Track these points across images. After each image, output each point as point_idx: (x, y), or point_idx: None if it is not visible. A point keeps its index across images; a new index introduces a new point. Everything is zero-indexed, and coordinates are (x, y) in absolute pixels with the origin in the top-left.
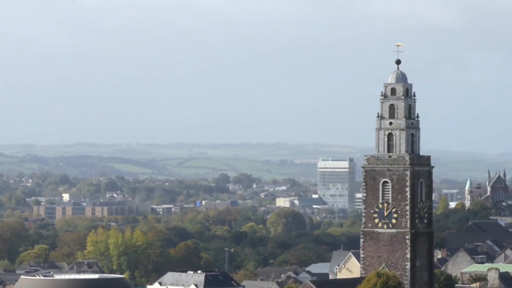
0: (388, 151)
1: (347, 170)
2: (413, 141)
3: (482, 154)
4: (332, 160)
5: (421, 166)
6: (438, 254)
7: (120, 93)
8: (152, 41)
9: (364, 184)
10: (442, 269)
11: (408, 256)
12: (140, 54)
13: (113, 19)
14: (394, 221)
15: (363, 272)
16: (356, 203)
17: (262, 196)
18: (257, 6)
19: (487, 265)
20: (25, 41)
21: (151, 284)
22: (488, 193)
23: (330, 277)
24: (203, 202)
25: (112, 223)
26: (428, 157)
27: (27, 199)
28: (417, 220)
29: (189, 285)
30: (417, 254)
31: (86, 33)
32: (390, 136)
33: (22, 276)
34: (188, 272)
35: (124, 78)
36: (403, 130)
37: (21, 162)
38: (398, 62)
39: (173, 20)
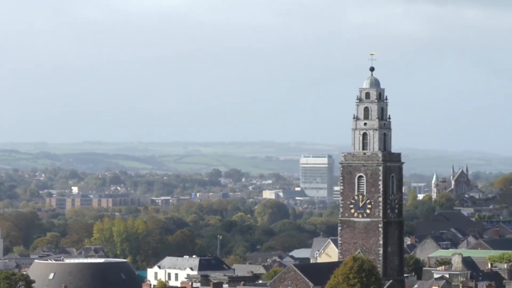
0: (363, 149)
1: (326, 165)
2: (385, 140)
3: (447, 151)
4: (313, 157)
5: (392, 162)
6: (408, 241)
7: (123, 97)
8: (149, 49)
9: (341, 178)
10: (411, 254)
11: (381, 242)
12: (139, 62)
13: (114, 27)
14: (368, 211)
15: (340, 256)
16: (334, 195)
17: (250, 189)
18: (244, 15)
19: (452, 251)
20: (37, 52)
21: (151, 267)
22: (453, 186)
23: (311, 261)
24: (198, 194)
25: (116, 213)
26: (399, 154)
27: (40, 192)
28: (389, 210)
29: (185, 268)
30: (389, 241)
31: (89, 41)
32: (364, 135)
33: (35, 260)
34: (184, 256)
35: (126, 84)
36: (376, 130)
37: (35, 159)
38: (372, 69)
39: (169, 27)
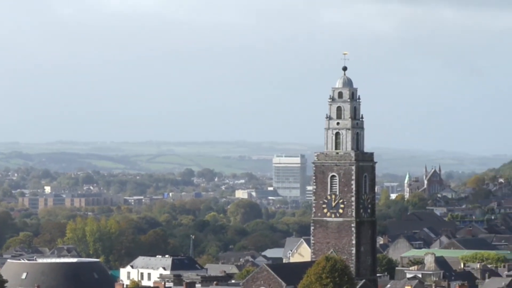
0: (336, 148)
1: (299, 165)
2: (358, 139)
3: (420, 151)
4: (285, 156)
5: (365, 161)
6: (380, 240)
7: (96, 97)
8: (122, 50)
9: (314, 177)
10: (384, 254)
11: (354, 242)
12: (112, 63)
13: (89, 28)
14: (341, 210)
15: (313, 256)
16: (307, 195)
17: (223, 189)
18: (216, 16)
19: (424, 250)
20: (8, 52)
21: (124, 267)
22: (425, 186)
23: (284, 261)
24: (170, 194)
25: (89, 213)
26: (372, 154)
27: (13, 191)
28: (361, 210)
29: (157, 268)
30: (361, 240)
31: (64, 42)
32: (337, 135)
33: (8, 260)
34: (157, 256)
35: (99, 83)
36: (349, 129)
37: (8, 158)
38: (344, 68)
39: (147, 28)
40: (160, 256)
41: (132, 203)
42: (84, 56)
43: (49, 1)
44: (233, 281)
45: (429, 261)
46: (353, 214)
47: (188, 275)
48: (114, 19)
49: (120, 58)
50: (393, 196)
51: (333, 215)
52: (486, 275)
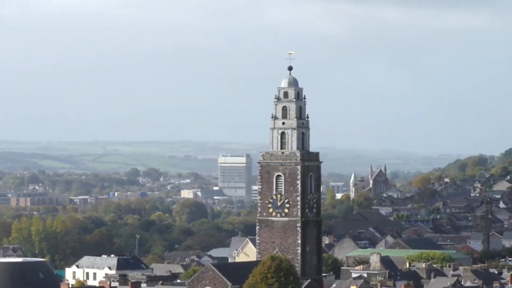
0: (281, 148)
1: (245, 165)
2: (303, 139)
3: (366, 150)
4: (231, 156)
5: (310, 161)
6: (326, 240)
7: (41, 96)
8: (66, 50)
9: (259, 177)
10: (329, 253)
11: (299, 241)
12: (56, 63)
13: (31, 28)
14: (286, 210)
15: (258, 256)
16: (253, 195)
17: (169, 188)
18: (160, 16)
19: (370, 250)
20: None
21: (69, 267)
22: (371, 186)
23: (229, 260)
24: (116, 193)
25: (34, 212)
26: (317, 153)
27: None
28: (307, 210)
29: (103, 268)
30: (307, 240)
31: (5, 41)
32: (283, 134)
33: None
34: (103, 256)
35: (44, 83)
36: (294, 129)
37: None
38: (290, 68)
39: (90, 29)
40: (105, 256)
41: (78, 203)
42: (29, 56)
43: None
44: (178, 280)
45: (375, 260)
46: (299, 213)
47: (134, 275)
48: (57, 19)
49: (64, 58)
50: (338, 195)
51: (278, 215)
52: (432, 274)
